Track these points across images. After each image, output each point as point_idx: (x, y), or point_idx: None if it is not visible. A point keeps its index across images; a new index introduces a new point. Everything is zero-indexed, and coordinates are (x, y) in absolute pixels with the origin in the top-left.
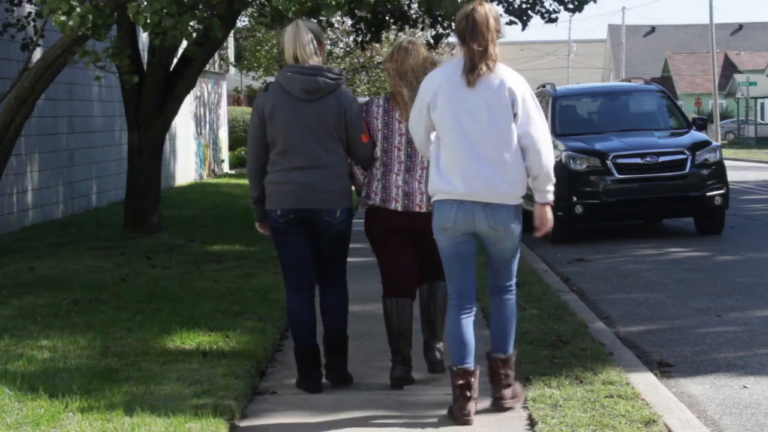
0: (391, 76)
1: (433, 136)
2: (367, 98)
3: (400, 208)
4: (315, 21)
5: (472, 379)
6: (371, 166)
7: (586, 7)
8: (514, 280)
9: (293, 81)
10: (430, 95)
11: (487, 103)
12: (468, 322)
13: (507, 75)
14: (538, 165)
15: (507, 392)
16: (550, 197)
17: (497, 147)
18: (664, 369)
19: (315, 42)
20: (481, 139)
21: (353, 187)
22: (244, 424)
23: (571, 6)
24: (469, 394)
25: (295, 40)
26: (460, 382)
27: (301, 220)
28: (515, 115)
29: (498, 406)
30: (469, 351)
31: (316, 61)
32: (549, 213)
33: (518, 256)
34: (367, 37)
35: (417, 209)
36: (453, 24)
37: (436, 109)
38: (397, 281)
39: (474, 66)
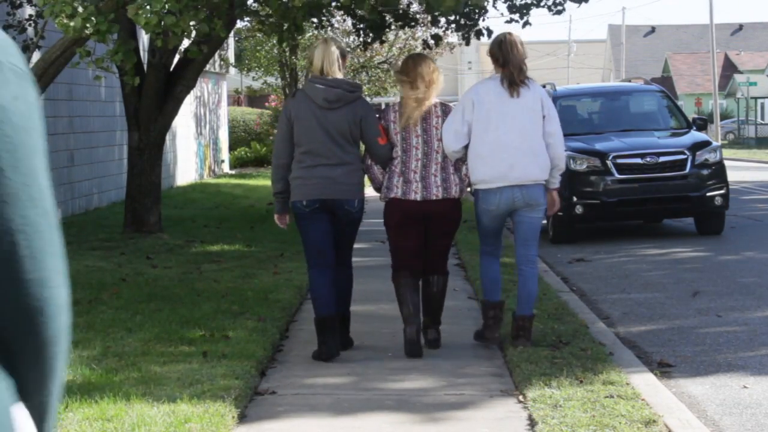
0: (404, 84)
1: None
2: (385, 100)
3: (419, 198)
4: (315, 21)
5: (500, 311)
6: (390, 165)
7: (579, 8)
8: (537, 252)
9: (317, 91)
10: (470, 103)
11: (525, 109)
12: (496, 266)
13: (535, 86)
14: (557, 156)
15: (527, 342)
16: (558, 184)
17: (532, 142)
18: (664, 369)
19: (340, 58)
20: (519, 137)
21: (371, 184)
22: (244, 424)
23: None
24: (498, 321)
25: (324, 55)
26: (491, 312)
27: (323, 208)
28: (545, 118)
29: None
30: (497, 288)
31: (339, 74)
32: (557, 196)
33: (540, 228)
34: (369, 38)
35: (434, 197)
36: (452, 24)
37: (476, 112)
38: (407, 260)
39: (514, 82)
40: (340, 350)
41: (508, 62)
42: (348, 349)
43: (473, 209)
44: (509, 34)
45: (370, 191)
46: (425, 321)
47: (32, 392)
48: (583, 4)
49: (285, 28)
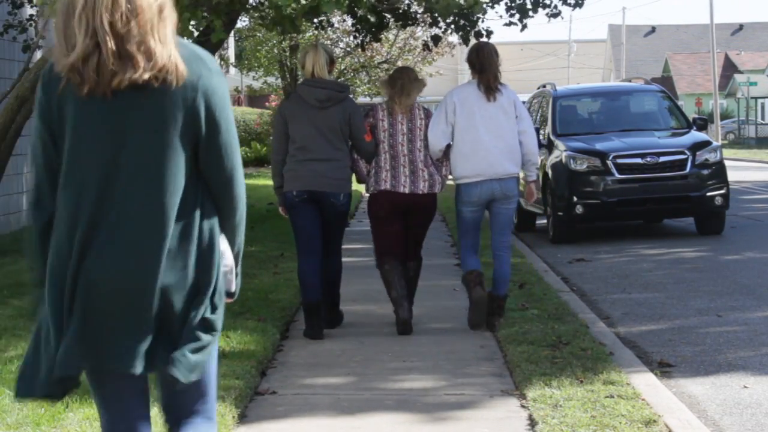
0: (391, 92)
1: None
2: (375, 100)
3: (407, 191)
4: (315, 21)
5: (477, 276)
6: (377, 160)
7: (585, 4)
8: (510, 241)
9: (309, 92)
10: (451, 105)
11: (500, 111)
12: (476, 258)
13: (507, 89)
14: (530, 152)
15: (500, 319)
16: (535, 176)
17: (508, 141)
18: (664, 369)
19: (329, 62)
20: (497, 136)
21: (354, 178)
22: (244, 424)
23: (571, 1)
24: (479, 282)
25: (314, 59)
26: (471, 276)
27: (311, 199)
28: (517, 118)
29: (492, 329)
30: (478, 264)
31: (328, 76)
32: (534, 187)
33: (514, 216)
34: (368, 38)
35: (420, 192)
36: (452, 24)
37: (457, 114)
38: (393, 247)
39: (490, 88)
40: (323, 332)
41: (485, 70)
42: (337, 326)
43: (454, 204)
44: (486, 43)
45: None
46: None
47: (227, 227)
48: (578, 9)
49: (285, 24)
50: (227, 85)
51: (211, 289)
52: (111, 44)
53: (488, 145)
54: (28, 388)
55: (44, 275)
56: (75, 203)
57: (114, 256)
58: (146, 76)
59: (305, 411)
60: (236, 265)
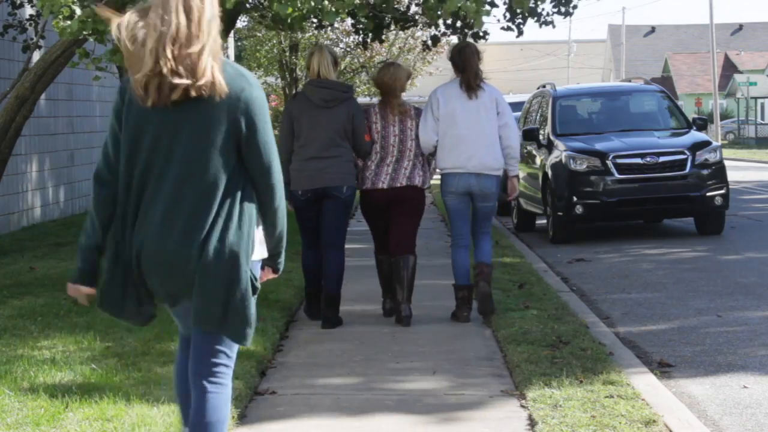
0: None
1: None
2: (374, 100)
3: (385, 186)
4: (314, 21)
5: (467, 293)
6: (368, 158)
7: (576, 10)
8: (490, 230)
9: (315, 92)
10: (436, 101)
11: (481, 108)
12: (466, 254)
13: (489, 87)
14: (510, 145)
15: (488, 286)
16: (516, 171)
17: (488, 136)
18: (664, 369)
19: (333, 63)
20: (476, 131)
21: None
22: (244, 424)
23: (562, 9)
24: (467, 301)
25: (320, 61)
26: (461, 294)
27: (315, 197)
28: (498, 114)
29: (480, 296)
30: (467, 273)
31: (333, 77)
32: (516, 183)
33: (494, 213)
34: (369, 37)
35: (399, 185)
36: (449, 28)
37: (441, 110)
38: (384, 242)
39: (470, 86)
40: (319, 312)
41: (466, 69)
42: (337, 326)
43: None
44: (467, 44)
45: None
46: (399, 298)
47: (265, 216)
48: (568, 17)
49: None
50: (264, 96)
51: (249, 254)
52: (172, 67)
53: (468, 140)
54: (114, 307)
55: (99, 236)
56: (131, 188)
57: (162, 229)
58: (195, 91)
59: (305, 411)
60: (279, 245)
